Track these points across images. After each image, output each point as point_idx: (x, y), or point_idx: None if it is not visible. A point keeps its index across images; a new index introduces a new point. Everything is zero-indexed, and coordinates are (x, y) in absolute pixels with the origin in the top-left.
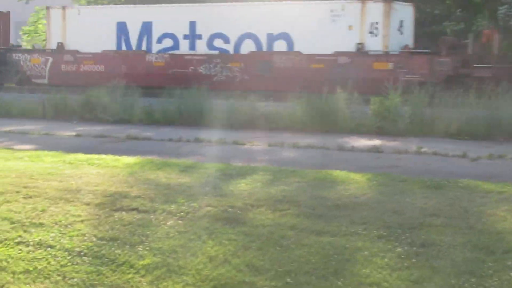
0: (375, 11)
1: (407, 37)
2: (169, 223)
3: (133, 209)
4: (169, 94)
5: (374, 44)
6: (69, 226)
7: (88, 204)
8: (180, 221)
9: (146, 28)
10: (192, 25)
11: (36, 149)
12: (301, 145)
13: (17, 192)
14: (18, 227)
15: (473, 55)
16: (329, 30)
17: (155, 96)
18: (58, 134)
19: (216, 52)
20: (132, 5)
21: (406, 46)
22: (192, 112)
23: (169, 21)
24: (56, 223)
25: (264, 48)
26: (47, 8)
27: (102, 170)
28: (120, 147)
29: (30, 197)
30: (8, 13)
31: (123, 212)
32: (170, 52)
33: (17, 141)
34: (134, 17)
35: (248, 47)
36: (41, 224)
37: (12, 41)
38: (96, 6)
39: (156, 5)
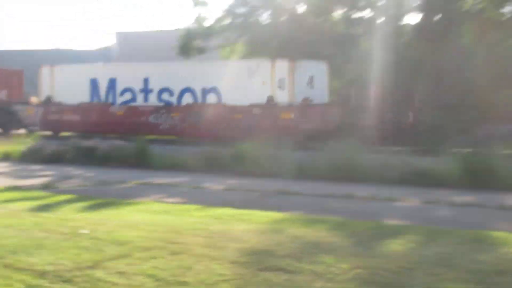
0: (282, 68)
1: (320, 90)
2: (316, 285)
3: (280, 269)
4: (319, 147)
5: (282, 97)
6: (213, 285)
7: (233, 262)
8: (328, 284)
9: (112, 84)
10: (146, 81)
11: (185, 203)
12: (457, 202)
13: (164, 248)
14: (162, 285)
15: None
16: (247, 85)
17: (306, 149)
18: (207, 187)
19: (162, 104)
20: (101, 64)
21: (305, 99)
22: (343, 166)
23: (129, 77)
24: (200, 282)
25: (199, 100)
26: (40, 66)
27: (250, 226)
28: (269, 201)
29: (176, 253)
30: (21, 71)
31: (269, 272)
32: (128, 104)
33: (167, 193)
34: (103, 74)
35: (187, 99)
36: (185, 283)
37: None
38: (74, 65)
39: (119, 63)
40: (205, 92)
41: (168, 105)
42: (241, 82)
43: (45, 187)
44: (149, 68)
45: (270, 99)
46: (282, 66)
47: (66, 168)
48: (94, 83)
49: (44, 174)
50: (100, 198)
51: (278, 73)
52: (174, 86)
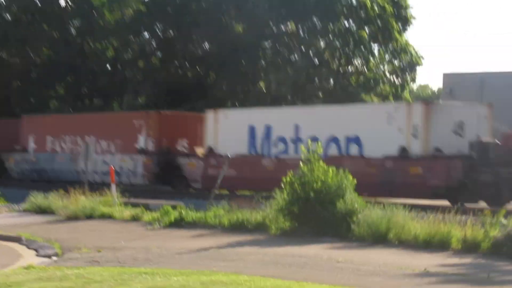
0: (417, 112)
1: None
2: None
3: None
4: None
5: (416, 147)
6: None
7: None
8: None
9: (267, 132)
10: (297, 128)
11: None
12: None
13: None
14: None
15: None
16: (385, 132)
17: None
18: None
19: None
20: (259, 109)
21: (437, 149)
22: None
23: (282, 124)
24: None
25: (343, 150)
26: (205, 110)
27: None
28: None
29: None
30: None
31: None
32: (278, 157)
33: None
34: (260, 120)
35: (333, 150)
36: None
37: None
38: (237, 109)
39: (274, 108)
40: (348, 141)
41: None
42: (380, 129)
43: None
44: (298, 113)
45: (403, 150)
46: (417, 109)
47: None
48: (251, 131)
49: None
50: None
51: (414, 118)
52: (320, 134)
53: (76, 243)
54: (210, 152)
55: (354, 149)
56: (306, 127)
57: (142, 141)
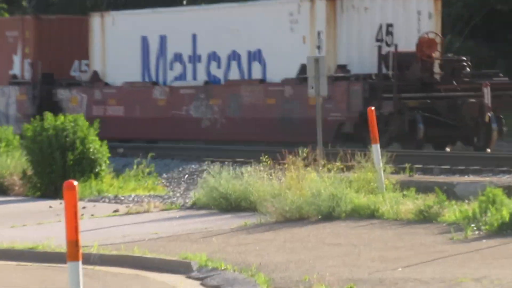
0: (320, 13)
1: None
2: None
3: None
4: None
5: None
6: None
7: None
8: None
9: (162, 45)
10: (194, 40)
11: None
12: None
13: None
14: None
15: None
16: (289, 44)
17: None
18: None
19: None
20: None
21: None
22: None
23: (178, 34)
24: None
25: (246, 74)
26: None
27: None
28: None
29: None
30: None
31: None
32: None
33: None
34: (154, 28)
35: (234, 72)
36: None
37: None
38: (127, 12)
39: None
40: (250, 58)
41: (210, 83)
42: (283, 40)
43: None
44: (197, 17)
45: (303, 70)
46: (320, 8)
47: None
48: (145, 45)
49: None
50: None
51: (317, 22)
52: (221, 49)
53: (302, 273)
54: (95, 79)
55: (257, 70)
56: (205, 37)
57: (16, 65)
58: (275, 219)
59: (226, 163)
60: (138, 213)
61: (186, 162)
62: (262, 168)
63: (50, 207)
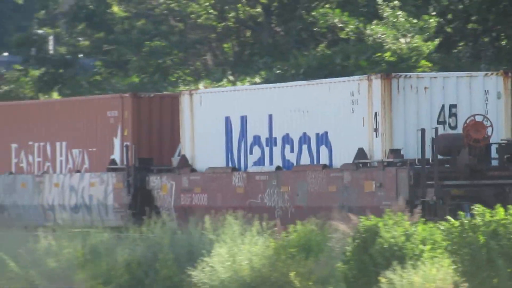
0: (377, 93)
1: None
2: None
3: None
4: None
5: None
6: None
7: None
8: None
9: (243, 125)
10: (270, 121)
11: None
12: None
13: None
14: None
15: None
16: (350, 126)
17: None
18: None
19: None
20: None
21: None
22: None
23: (255, 115)
24: None
25: (314, 158)
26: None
27: None
28: None
29: None
30: None
31: None
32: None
33: None
34: (236, 108)
35: (305, 157)
36: None
37: None
38: (211, 91)
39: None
40: (318, 141)
41: (281, 169)
42: (345, 122)
43: None
44: (272, 95)
45: (360, 154)
46: (376, 88)
47: None
48: (228, 126)
49: None
50: None
51: (374, 103)
52: (293, 131)
53: None
54: (184, 164)
55: (324, 154)
56: (279, 118)
57: (116, 149)
58: None
59: None
60: None
61: None
62: None
63: None
